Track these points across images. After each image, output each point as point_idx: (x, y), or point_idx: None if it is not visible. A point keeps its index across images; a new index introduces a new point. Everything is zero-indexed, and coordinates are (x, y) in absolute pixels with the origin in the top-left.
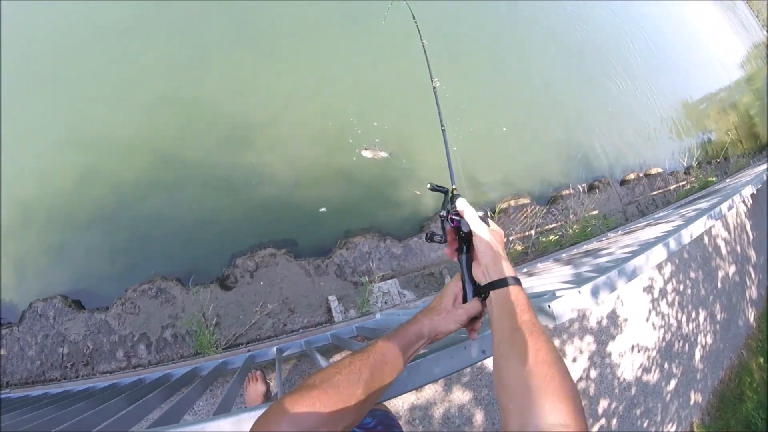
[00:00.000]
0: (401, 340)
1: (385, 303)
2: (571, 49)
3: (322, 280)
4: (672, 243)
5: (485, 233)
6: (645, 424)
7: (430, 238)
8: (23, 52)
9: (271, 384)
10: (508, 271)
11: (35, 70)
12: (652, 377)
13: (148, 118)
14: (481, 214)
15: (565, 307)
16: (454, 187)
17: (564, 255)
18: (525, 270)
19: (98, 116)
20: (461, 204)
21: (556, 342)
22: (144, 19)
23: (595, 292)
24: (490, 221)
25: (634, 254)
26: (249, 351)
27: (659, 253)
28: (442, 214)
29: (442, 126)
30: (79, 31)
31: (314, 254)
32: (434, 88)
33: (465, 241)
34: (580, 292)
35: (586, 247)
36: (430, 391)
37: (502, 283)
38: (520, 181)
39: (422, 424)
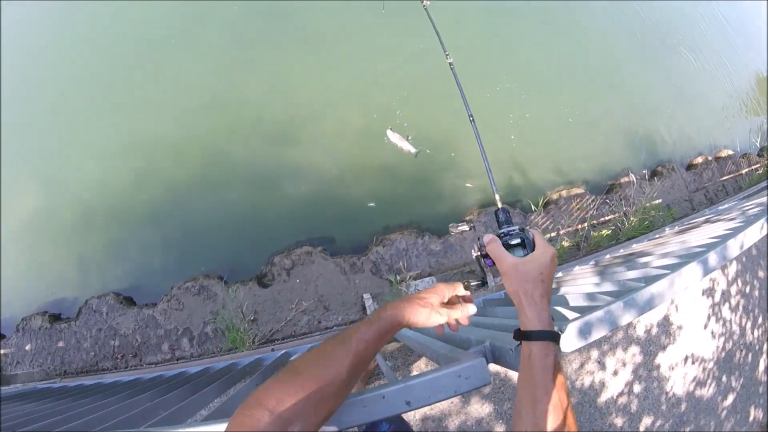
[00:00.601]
0: (380, 326)
1: None
2: (632, 24)
3: (357, 277)
4: (712, 259)
5: (509, 276)
6: None
7: (467, 287)
8: (83, 65)
9: None
10: (535, 319)
11: (94, 81)
12: (707, 392)
13: (196, 121)
14: (517, 239)
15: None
16: (498, 197)
17: (608, 256)
18: (559, 274)
19: (151, 122)
20: (486, 239)
21: (594, 353)
22: (190, 27)
23: (584, 332)
24: (538, 239)
25: (648, 280)
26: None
27: (692, 273)
28: (475, 253)
29: (470, 116)
30: (130, 42)
31: (350, 252)
32: (450, 63)
33: None
34: (561, 331)
35: (635, 246)
36: (445, 402)
37: (526, 336)
38: (574, 169)
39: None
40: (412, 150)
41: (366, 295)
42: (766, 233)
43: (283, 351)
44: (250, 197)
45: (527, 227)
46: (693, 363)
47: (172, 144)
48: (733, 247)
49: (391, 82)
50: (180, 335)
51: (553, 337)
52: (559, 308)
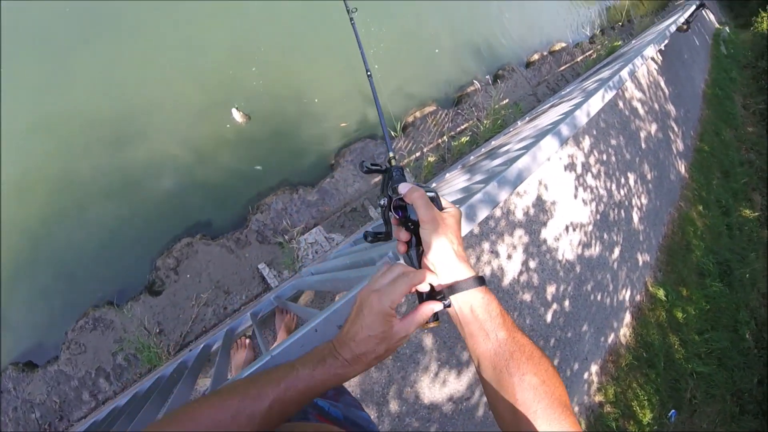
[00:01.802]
0: (302, 391)
1: (316, 253)
2: None
3: (246, 251)
4: (564, 129)
5: (436, 223)
6: (599, 297)
7: (373, 238)
8: None
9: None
10: (466, 270)
11: None
12: (595, 251)
13: (28, 150)
14: (432, 194)
15: None
16: (392, 155)
17: (472, 158)
18: (434, 185)
19: None
20: (404, 188)
21: (486, 245)
22: None
23: (470, 215)
24: (443, 200)
25: (512, 160)
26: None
27: (549, 145)
28: (382, 202)
29: (368, 71)
30: None
31: (231, 229)
32: (351, 19)
33: (416, 232)
34: None
35: (493, 143)
36: (425, 388)
37: (465, 284)
38: (421, 89)
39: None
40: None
41: (261, 265)
42: (607, 101)
43: (202, 345)
44: (112, 210)
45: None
46: (574, 230)
47: (9, 181)
48: (581, 116)
49: (221, 47)
50: (95, 377)
51: (482, 281)
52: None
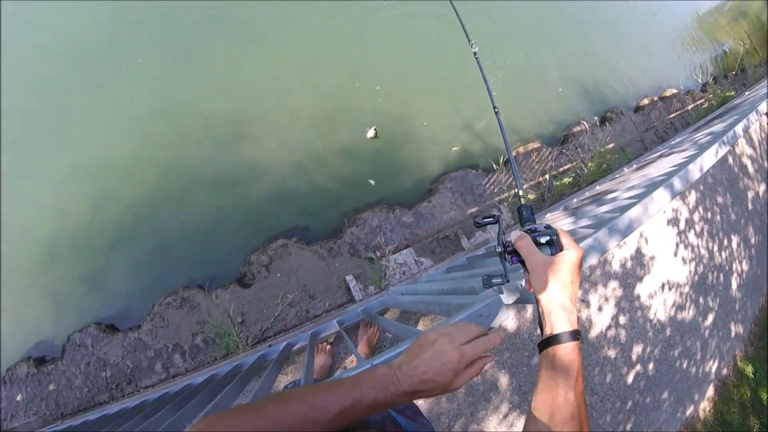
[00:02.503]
0: (379, 397)
1: (403, 273)
2: None
3: (336, 261)
4: (677, 183)
5: (541, 271)
6: (685, 365)
7: (488, 283)
8: (15, 90)
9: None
10: (564, 322)
11: (29, 109)
12: (688, 314)
13: (146, 134)
14: (548, 237)
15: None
16: (521, 194)
17: (575, 200)
18: (554, 214)
19: (98, 142)
20: (514, 235)
21: (578, 292)
22: (121, 39)
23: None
24: (565, 238)
25: (624, 209)
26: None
27: (661, 197)
28: (498, 249)
29: (495, 108)
30: (61, 62)
31: (325, 237)
32: (475, 53)
33: None
34: None
35: (598, 188)
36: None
37: (554, 340)
38: (526, 126)
39: (444, 396)
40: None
41: (349, 277)
42: (720, 157)
43: (285, 343)
44: (215, 201)
45: (552, 225)
46: (670, 289)
47: (124, 161)
48: (693, 171)
49: (341, 66)
50: (171, 352)
51: (578, 336)
52: None
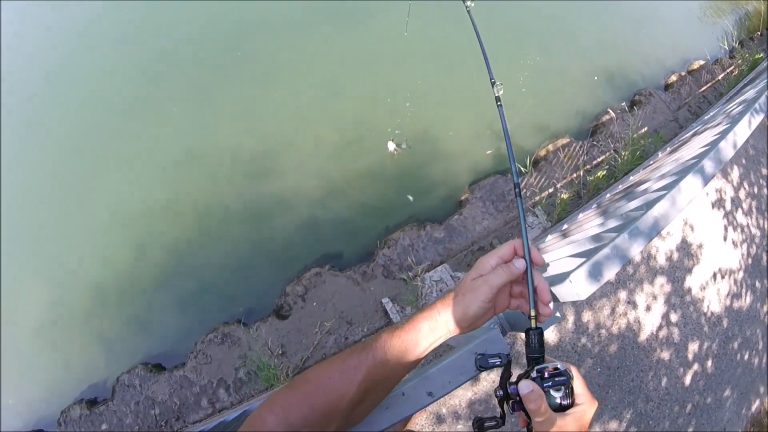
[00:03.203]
0: (408, 332)
1: (440, 290)
2: None
3: (371, 285)
4: (708, 165)
5: None
6: (746, 356)
7: (480, 428)
8: (57, 148)
9: None
10: None
11: (71, 162)
12: (745, 302)
13: (177, 177)
14: (560, 393)
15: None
16: (532, 314)
17: (607, 196)
18: (564, 226)
19: (133, 189)
20: (525, 388)
21: (623, 294)
22: (146, 90)
23: (594, 274)
24: (578, 383)
25: (650, 204)
26: None
27: (691, 186)
28: (499, 393)
29: (491, 79)
30: (96, 116)
31: (358, 261)
32: (467, 7)
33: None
34: (571, 281)
35: (632, 178)
36: (487, 383)
37: None
38: (554, 122)
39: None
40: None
41: (385, 300)
42: (755, 127)
43: None
44: (249, 236)
45: (565, 366)
46: (723, 277)
47: (160, 205)
48: (726, 149)
49: (357, 91)
50: (215, 387)
51: None
52: (569, 258)
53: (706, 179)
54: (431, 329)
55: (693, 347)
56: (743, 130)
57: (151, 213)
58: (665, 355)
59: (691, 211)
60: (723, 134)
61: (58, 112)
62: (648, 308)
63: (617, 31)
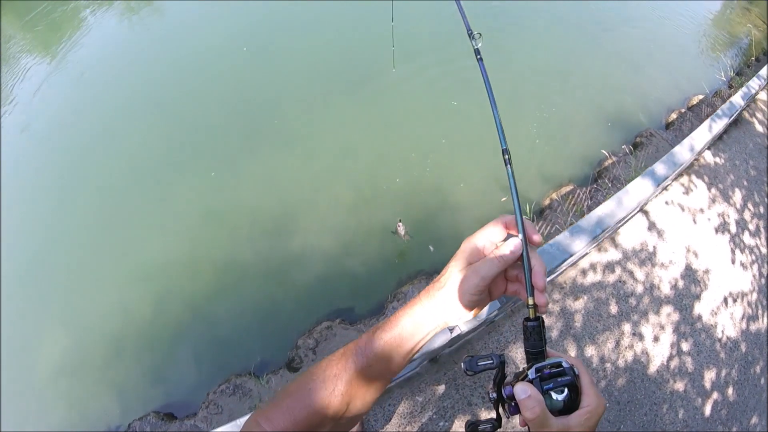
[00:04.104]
0: (390, 331)
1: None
2: (569, 22)
3: None
4: (660, 168)
5: None
6: None
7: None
8: (81, 202)
9: None
10: None
11: (95, 217)
12: (762, 323)
13: (198, 235)
14: (562, 395)
15: None
16: (531, 303)
17: None
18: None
19: (156, 247)
20: (521, 393)
21: (627, 327)
22: (173, 157)
23: None
24: (585, 381)
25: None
26: None
27: (639, 188)
28: (492, 395)
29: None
30: (122, 176)
31: (369, 315)
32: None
33: None
34: None
35: None
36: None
37: None
38: (556, 171)
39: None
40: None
41: None
42: (717, 132)
43: None
44: (265, 291)
45: (570, 362)
46: (735, 301)
47: (181, 260)
48: (681, 153)
49: (369, 153)
50: None
51: None
52: None
53: (657, 180)
54: (416, 325)
55: (710, 375)
56: (702, 135)
57: (172, 268)
58: (679, 386)
59: (693, 239)
60: (678, 140)
61: (92, 174)
62: (656, 339)
63: (618, 74)
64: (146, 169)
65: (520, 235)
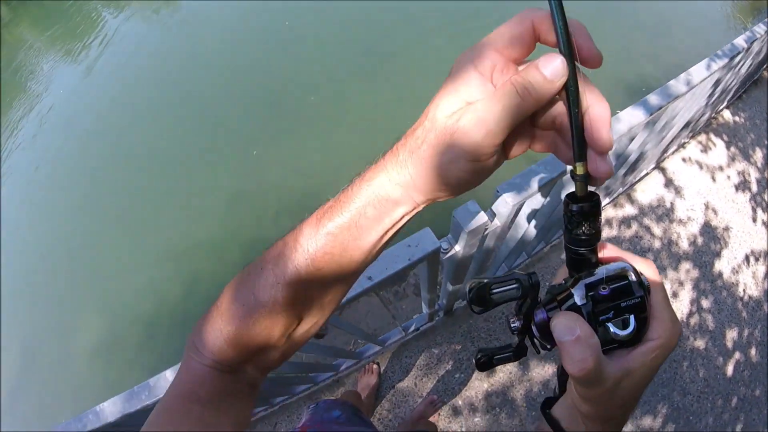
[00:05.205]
0: (342, 217)
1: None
2: None
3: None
4: (653, 98)
5: (611, 400)
6: None
7: (487, 361)
8: (111, 187)
9: None
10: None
11: (126, 199)
12: None
13: (227, 216)
14: (627, 332)
15: None
16: (569, 168)
17: None
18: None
19: (186, 227)
20: (562, 332)
21: None
22: (203, 142)
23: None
24: (657, 302)
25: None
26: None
27: (630, 116)
28: (515, 325)
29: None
30: (155, 167)
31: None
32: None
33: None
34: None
35: None
36: (503, 375)
37: None
38: None
39: (504, 410)
40: None
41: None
42: (716, 70)
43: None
44: None
45: (638, 269)
46: (757, 260)
47: (210, 241)
48: (677, 86)
49: (392, 133)
50: None
51: None
52: None
53: (649, 109)
54: (380, 205)
55: (731, 334)
56: (699, 72)
57: (201, 249)
58: (700, 343)
59: (713, 196)
60: (676, 76)
61: (124, 161)
62: (675, 295)
63: (637, 43)
64: (176, 157)
65: (562, 46)
